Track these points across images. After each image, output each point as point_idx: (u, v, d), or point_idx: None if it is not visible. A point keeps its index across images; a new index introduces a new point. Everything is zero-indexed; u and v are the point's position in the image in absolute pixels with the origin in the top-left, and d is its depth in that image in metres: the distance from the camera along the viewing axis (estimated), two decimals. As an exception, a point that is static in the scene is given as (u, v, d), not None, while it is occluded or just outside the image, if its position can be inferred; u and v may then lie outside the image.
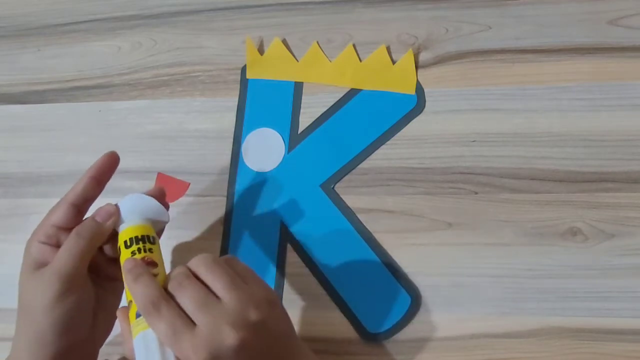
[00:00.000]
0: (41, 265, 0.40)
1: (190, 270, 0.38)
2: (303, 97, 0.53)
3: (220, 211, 0.51)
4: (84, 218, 0.42)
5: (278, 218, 0.50)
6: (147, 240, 0.40)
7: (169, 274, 0.38)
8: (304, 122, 0.52)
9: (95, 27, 0.58)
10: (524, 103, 0.49)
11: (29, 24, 0.60)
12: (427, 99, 0.51)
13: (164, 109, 0.55)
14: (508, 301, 0.46)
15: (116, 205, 0.42)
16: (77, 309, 0.40)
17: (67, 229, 0.41)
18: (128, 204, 0.42)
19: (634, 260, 0.45)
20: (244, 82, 0.54)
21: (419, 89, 0.51)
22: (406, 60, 0.51)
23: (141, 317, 0.36)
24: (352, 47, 0.53)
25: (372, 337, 0.47)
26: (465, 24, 0.52)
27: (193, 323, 0.35)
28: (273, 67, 0.54)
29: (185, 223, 0.51)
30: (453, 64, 0.51)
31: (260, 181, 0.51)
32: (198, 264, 0.38)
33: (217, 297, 0.36)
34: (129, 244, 0.40)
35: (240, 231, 0.51)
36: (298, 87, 0.53)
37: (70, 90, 0.57)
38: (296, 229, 0.50)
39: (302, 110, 0.52)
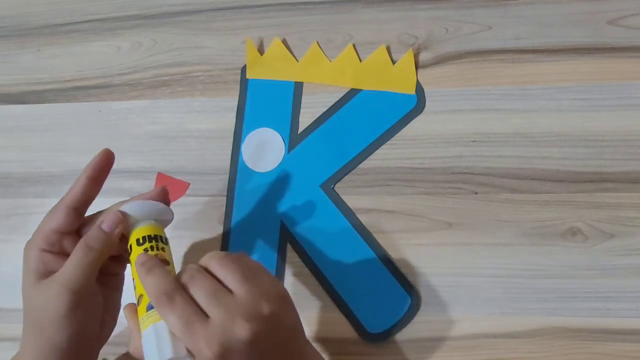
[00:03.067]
0: (45, 274, 0.40)
1: (201, 266, 0.38)
2: (303, 97, 0.53)
3: (220, 211, 0.51)
4: (84, 217, 0.42)
5: (278, 218, 0.50)
6: (160, 239, 0.40)
7: (180, 270, 0.38)
8: (304, 122, 0.52)
9: (95, 27, 0.58)
10: (524, 103, 0.49)
11: (29, 24, 0.60)
12: (427, 99, 0.51)
13: (163, 109, 0.55)
14: (508, 301, 0.46)
15: (122, 212, 0.41)
16: (89, 317, 0.40)
17: (69, 233, 0.41)
18: (135, 208, 0.41)
19: (634, 260, 0.45)
20: (244, 82, 0.54)
21: (419, 89, 0.51)
22: (406, 60, 0.51)
23: (152, 309, 0.36)
24: (352, 47, 0.53)
25: (372, 337, 0.47)
26: (465, 24, 0.52)
27: (206, 315, 0.35)
28: (273, 67, 0.54)
29: (185, 223, 0.51)
30: (453, 64, 0.51)
31: (260, 181, 0.51)
32: (209, 259, 0.38)
33: (229, 290, 0.36)
34: (141, 241, 0.40)
35: (240, 231, 0.51)
36: (298, 87, 0.53)
37: (70, 90, 0.57)
38: (296, 229, 0.50)
39: (302, 110, 0.52)
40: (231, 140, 0.53)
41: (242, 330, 0.34)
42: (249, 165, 0.52)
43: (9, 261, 0.53)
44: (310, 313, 0.48)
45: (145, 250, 0.39)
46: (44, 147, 0.56)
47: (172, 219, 0.43)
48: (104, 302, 0.42)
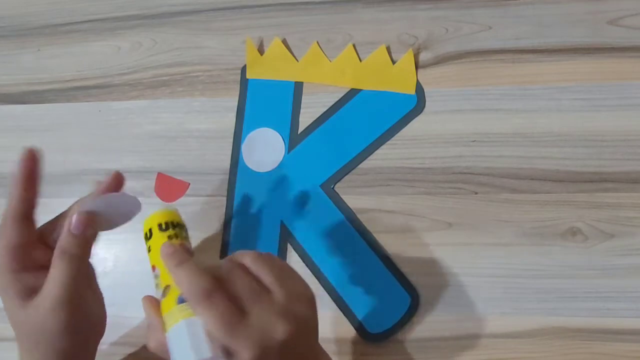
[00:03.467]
0: (28, 293, 0.38)
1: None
2: (303, 97, 0.53)
3: (220, 211, 0.51)
4: (45, 224, 0.41)
5: (278, 218, 0.50)
6: (182, 228, 0.39)
7: (215, 265, 0.37)
8: (304, 122, 0.52)
9: (95, 27, 0.58)
10: (524, 103, 0.49)
11: (29, 24, 0.60)
12: (427, 99, 0.51)
13: (164, 109, 0.55)
14: (508, 301, 0.46)
15: (88, 211, 0.39)
16: (87, 316, 0.40)
17: (31, 243, 0.40)
18: (98, 203, 0.40)
19: (634, 260, 0.45)
20: (244, 82, 0.54)
21: (419, 89, 0.51)
22: (406, 60, 0.51)
23: (184, 303, 0.35)
24: (352, 47, 0.53)
25: (372, 337, 0.47)
26: (465, 24, 0.52)
27: (242, 313, 0.34)
28: (273, 67, 0.54)
29: (186, 223, 0.51)
30: (453, 64, 0.51)
31: (260, 181, 0.51)
32: (242, 256, 0.37)
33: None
34: (163, 227, 0.38)
35: (240, 231, 0.51)
36: (298, 87, 0.53)
37: (70, 90, 0.57)
38: (296, 229, 0.50)
39: (302, 110, 0.52)
40: (231, 140, 0.53)
41: (279, 331, 0.34)
42: (249, 165, 0.52)
43: (9, 261, 0.53)
44: (310, 313, 0.48)
45: (169, 237, 0.38)
46: (44, 147, 0.56)
47: (140, 209, 0.41)
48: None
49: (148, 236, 0.39)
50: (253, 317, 0.34)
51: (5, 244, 0.39)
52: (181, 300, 0.35)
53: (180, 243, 0.38)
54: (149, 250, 0.38)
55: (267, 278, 0.36)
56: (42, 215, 0.53)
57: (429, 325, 0.46)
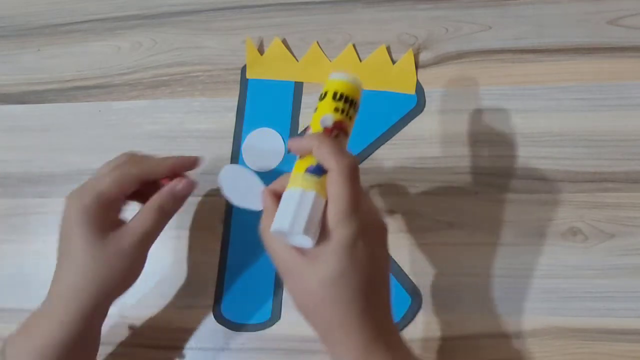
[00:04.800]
0: (107, 229, 0.40)
1: None
2: (303, 97, 0.53)
3: (220, 211, 0.51)
4: None
5: (278, 218, 0.50)
6: (353, 105, 0.38)
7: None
8: (304, 122, 0.52)
9: (95, 27, 0.58)
10: (524, 103, 0.49)
11: (29, 24, 0.60)
12: (427, 99, 0.51)
13: (164, 109, 0.55)
14: (508, 301, 0.46)
15: (193, 181, 0.44)
16: (141, 268, 0.43)
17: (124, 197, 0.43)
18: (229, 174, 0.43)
19: (634, 260, 0.45)
20: (244, 82, 0.54)
21: (419, 89, 0.51)
22: (406, 60, 0.51)
23: (312, 174, 0.35)
24: (352, 47, 0.53)
25: (372, 337, 0.47)
26: (465, 24, 0.52)
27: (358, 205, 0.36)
28: (273, 67, 0.54)
29: (185, 223, 0.51)
30: (453, 64, 0.51)
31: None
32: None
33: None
34: (337, 97, 0.38)
35: (240, 231, 0.51)
36: (298, 87, 0.53)
37: (70, 90, 0.57)
38: (296, 229, 0.50)
39: (302, 110, 0.52)
40: (231, 140, 0.53)
41: (383, 227, 0.38)
42: (249, 165, 0.52)
43: (9, 261, 0.53)
44: (311, 313, 0.48)
45: (336, 109, 0.37)
46: (44, 147, 0.56)
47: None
48: None
49: (322, 97, 0.38)
50: (367, 208, 0.36)
51: (111, 188, 0.41)
52: (310, 171, 0.36)
53: (342, 119, 0.37)
54: (315, 110, 0.38)
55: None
56: (35, 216, 0.54)
57: (429, 325, 0.46)
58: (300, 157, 0.37)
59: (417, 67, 0.51)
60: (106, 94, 0.56)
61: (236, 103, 0.53)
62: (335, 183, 0.35)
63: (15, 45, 0.59)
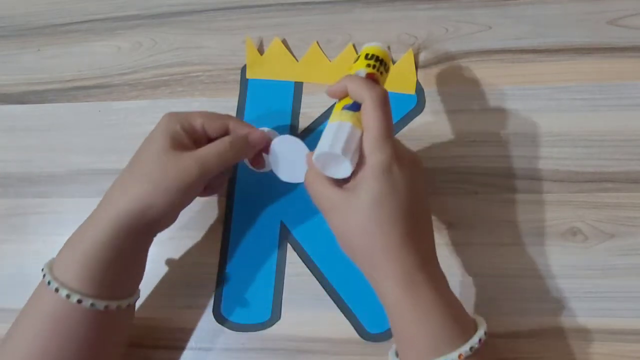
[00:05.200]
0: (177, 147, 0.42)
1: None
2: (303, 97, 0.53)
3: (220, 211, 0.51)
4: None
5: (278, 218, 0.50)
6: (383, 65, 0.43)
7: None
8: (304, 122, 0.52)
9: (95, 27, 0.58)
10: (524, 103, 0.49)
11: (29, 24, 0.60)
12: (427, 99, 0.51)
13: (164, 109, 0.54)
14: (508, 301, 0.46)
15: (268, 138, 0.46)
16: (188, 202, 0.44)
17: (214, 131, 0.44)
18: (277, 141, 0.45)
19: (634, 260, 0.45)
20: (244, 82, 0.54)
21: (419, 89, 0.51)
22: (406, 60, 0.51)
23: (347, 110, 0.39)
24: (352, 47, 0.53)
25: (372, 337, 0.47)
26: (465, 24, 0.52)
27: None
28: (273, 67, 0.54)
29: (185, 223, 0.51)
30: (453, 64, 0.51)
31: (260, 181, 0.51)
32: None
33: None
34: (369, 56, 0.43)
35: (240, 231, 0.51)
36: (298, 87, 0.53)
37: (70, 90, 0.57)
38: (296, 229, 0.50)
39: (302, 110, 0.52)
40: (231, 140, 0.53)
41: (417, 159, 0.41)
42: (249, 165, 0.52)
43: (9, 261, 0.53)
44: (310, 313, 0.48)
45: (368, 65, 0.42)
46: (44, 147, 0.56)
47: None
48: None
49: (355, 60, 0.43)
50: (395, 143, 0.39)
51: (195, 116, 0.44)
52: (346, 108, 0.40)
53: (374, 72, 0.42)
54: (350, 69, 0.43)
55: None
56: (35, 216, 0.54)
57: (429, 325, 0.46)
58: (338, 100, 0.41)
59: (417, 67, 0.51)
60: (106, 94, 0.56)
61: (236, 103, 0.53)
62: (368, 113, 0.38)
63: (15, 45, 0.59)
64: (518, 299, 0.46)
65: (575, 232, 0.46)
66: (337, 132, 0.38)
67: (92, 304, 0.40)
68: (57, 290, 0.39)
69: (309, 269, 0.49)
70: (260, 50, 0.54)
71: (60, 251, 0.41)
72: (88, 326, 0.40)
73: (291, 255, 0.49)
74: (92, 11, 0.59)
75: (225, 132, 0.45)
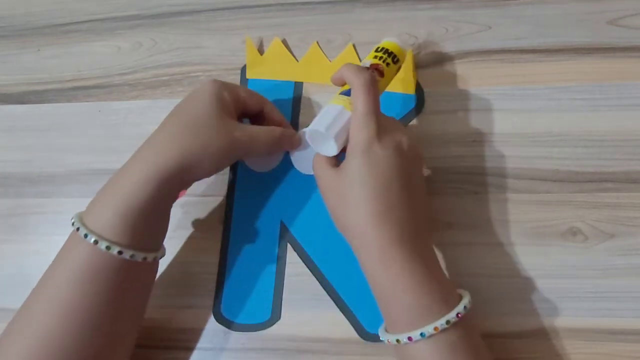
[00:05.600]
0: (225, 113, 0.44)
1: None
2: (303, 97, 0.53)
3: (220, 211, 0.51)
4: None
5: (278, 218, 0.50)
6: (391, 57, 0.46)
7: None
8: (304, 122, 0.52)
9: (95, 27, 0.58)
10: (524, 103, 0.49)
11: (29, 24, 0.60)
12: (427, 99, 0.51)
13: (164, 109, 0.54)
14: (508, 301, 0.46)
15: (299, 141, 0.49)
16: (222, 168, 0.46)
17: (251, 108, 0.47)
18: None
19: (634, 260, 0.45)
20: (244, 82, 0.54)
21: (419, 89, 0.51)
22: (406, 60, 0.51)
23: (343, 96, 0.43)
24: (352, 47, 0.53)
25: (372, 337, 0.47)
26: (465, 24, 0.52)
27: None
28: (273, 67, 0.54)
29: (185, 223, 0.51)
30: (453, 64, 0.51)
31: (260, 181, 0.51)
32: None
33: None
34: (379, 49, 0.46)
35: (240, 231, 0.51)
36: (298, 87, 0.53)
37: (70, 90, 0.57)
38: (296, 229, 0.50)
39: (302, 110, 0.52)
40: (231, 140, 0.53)
41: (402, 132, 0.42)
42: (249, 165, 0.52)
43: (9, 261, 0.53)
44: (310, 313, 0.48)
45: (375, 57, 0.45)
46: (44, 147, 0.56)
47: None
48: None
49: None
50: (388, 122, 0.42)
51: (244, 93, 0.47)
52: (342, 93, 0.43)
53: (378, 62, 0.45)
54: (360, 60, 0.48)
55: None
56: (35, 216, 0.54)
57: (429, 325, 0.46)
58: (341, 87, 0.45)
59: (417, 67, 0.51)
60: (106, 94, 0.56)
61: (236, 103, 0.53)
62: (355, 96, 0.41)
63: (15, 45, 0.59)
64: (518, 299, 0.46)
65: (575, 232, 0.46)
66: (325, 112, 0.42)
67: (132, 255, 0.40)
68: (95, 242, 0.39)
69: (309, 269, 0.49)
70: (260, 50, 0.54)
71: (94, 202, 0.41)
72: (124, 277, 0.41)
73: (291, 255, 0.49)
74: (92, 11, 0.59)
75: (260, 111, 0.48)
